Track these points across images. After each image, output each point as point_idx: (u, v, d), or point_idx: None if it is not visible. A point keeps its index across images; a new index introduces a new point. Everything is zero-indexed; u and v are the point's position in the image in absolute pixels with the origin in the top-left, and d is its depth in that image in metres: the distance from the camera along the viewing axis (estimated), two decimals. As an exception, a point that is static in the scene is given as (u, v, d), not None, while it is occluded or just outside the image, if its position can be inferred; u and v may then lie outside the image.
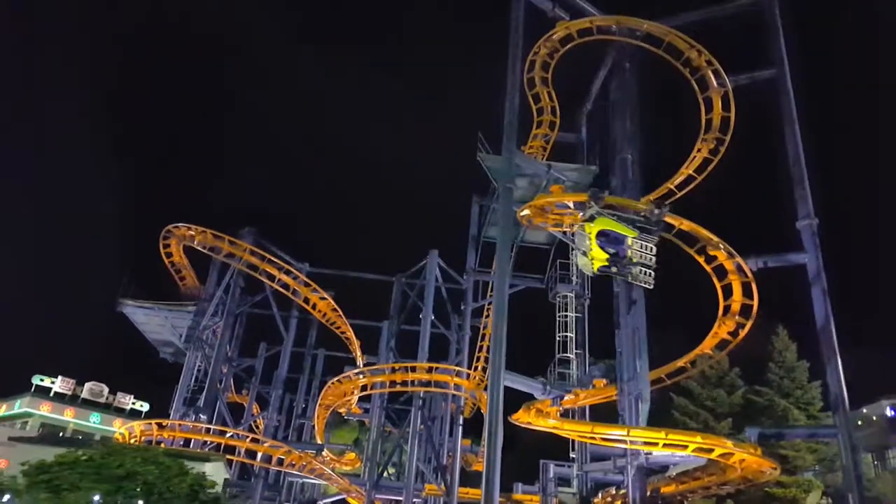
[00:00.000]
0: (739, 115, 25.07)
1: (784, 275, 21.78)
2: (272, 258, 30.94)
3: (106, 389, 63.51)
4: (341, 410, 41.63)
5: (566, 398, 26.12)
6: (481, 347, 37.12)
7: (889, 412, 44.94)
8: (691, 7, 26.32)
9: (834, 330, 19.91)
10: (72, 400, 60.22)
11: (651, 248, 17.10)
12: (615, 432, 18.04)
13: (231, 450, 28.28)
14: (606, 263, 16.88)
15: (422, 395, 29.26)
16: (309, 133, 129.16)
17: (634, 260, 16.85)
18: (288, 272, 31.33)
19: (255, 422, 39.75)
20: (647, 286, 17.46)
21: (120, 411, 62.68)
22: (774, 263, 21.16)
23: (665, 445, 17.69)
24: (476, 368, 37.44)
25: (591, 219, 17.24)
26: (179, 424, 27.14)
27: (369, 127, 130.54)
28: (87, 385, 61.81)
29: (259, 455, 27.76)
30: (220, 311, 31.96)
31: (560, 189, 23.63)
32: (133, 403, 64.17)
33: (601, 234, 16.99)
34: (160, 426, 27.41)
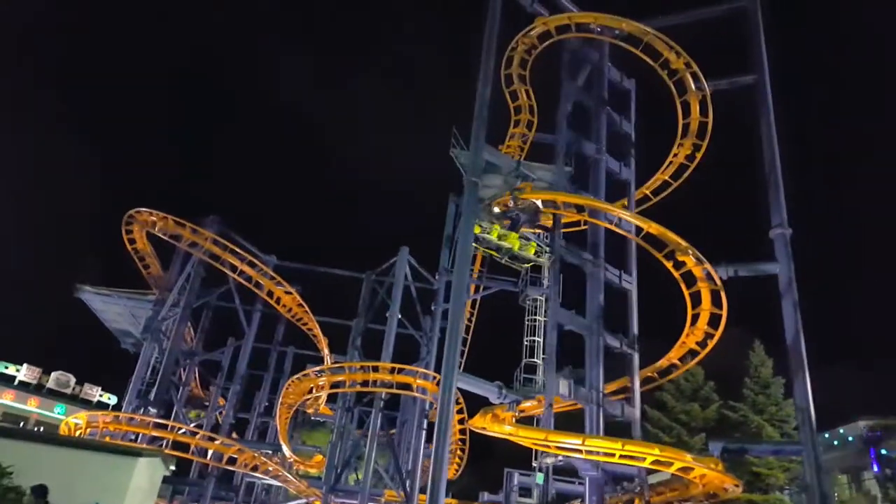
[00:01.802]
0: (718, 120, 24.51)
1: (763, 286, 21.19)
2: (235, 248, 29.86)
3: (73, 380, 61.93)
4: (309, 410, 40.58)
5: (529, 404, 25.38)
6: (453, 350, 36.25)
7: (865, 433, 44.41)
8: (675, 11, 25.79)
9: (803, 344, 19.25)
10: (37, 389, 58.74)
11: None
12: (570, 441, 17.21)
13: (184, 447, 27.17)
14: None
15: (383, 396, 28.27)
16: (285, 127, 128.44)
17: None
18: (252, 264, 30.27)
19: (218, 419, 38.58)
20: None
21: (86, 403, 61.10)
22: (745, 273, 20.53)
23: (622, 457, 16.93)
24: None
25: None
26: (128, 418, 26.01)
27: (349, 122, 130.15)
28: (54, 375, 60.31)
29: (210, 453, 26.66)
30: (181, 302, 30.82)
31: (529, 187, 22.92)
32: (100, 395, 62.75)
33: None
34: (112, 419, 26.36)
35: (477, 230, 25.22)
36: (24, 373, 57.99)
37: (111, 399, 62.89)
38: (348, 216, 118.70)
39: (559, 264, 21.18)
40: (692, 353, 23.07)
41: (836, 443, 45.11)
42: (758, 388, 37.27)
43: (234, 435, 38.83)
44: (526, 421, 25.32)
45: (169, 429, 26.66)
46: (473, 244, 25.57)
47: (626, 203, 23.69)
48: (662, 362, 23.64)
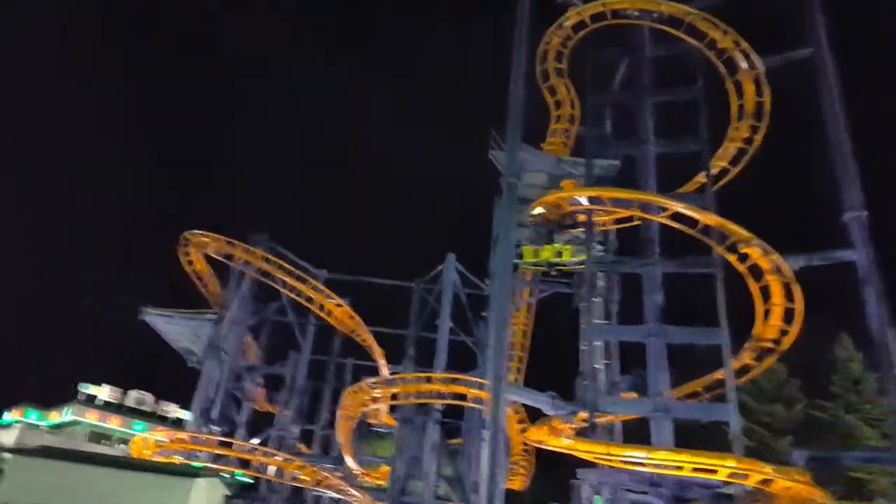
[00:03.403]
0: (776, 99, 22.70)
1: (847, 272, 19.34)
2: (284, 264, 30.24)
3: (150, 398, 64.72)
4: (371, 421, 40.54)
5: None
6: (511, 357, 35.34)
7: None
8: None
9: (891, 336, 17.35)
10: (117, 408, 61.59)
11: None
12: (634, 454, 16.05)
13: (247, 464, 27.59)
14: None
15: (438, 407, 27.73)
16: (329, 139, 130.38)
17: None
18: (302, 279, 30.55)
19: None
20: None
21: (163, 420, 63.66)
22: (819, 262, 18.78)
23: (694, 470, 15.65)
24: (508, 379, 35.69)
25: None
26: (191, 436, 26.57)
27: (389, 131, 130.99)
28: (132, 393, 63.17)
29: (271, 469, 26.87)
30: (237, 320, 31.41)
31: (572, 184, 21.88)
32: (177, 412, 65.15)
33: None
34: (177, 438, 26.99)
35: (528, 256, 24.86)
36: (105, 393, 61.12)
37: (187, 415, 65.30)
38: (397, 225, 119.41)
39: (593, 276, 20.12)
40: (766, 352, 21.32)
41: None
42: (848, 384, 34.38)
43: (302, 448, 39.34)
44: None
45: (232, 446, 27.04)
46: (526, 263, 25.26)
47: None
48: (734, 363, 21.96)
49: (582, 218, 21.58)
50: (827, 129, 20.41)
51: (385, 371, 35.97)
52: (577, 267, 24.13)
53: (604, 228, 24.86)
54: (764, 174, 27.04)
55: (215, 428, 28.06)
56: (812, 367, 35.78)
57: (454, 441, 36.32)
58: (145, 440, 26.64)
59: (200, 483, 15.24)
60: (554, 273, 26.68)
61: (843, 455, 21.82)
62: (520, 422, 29.92)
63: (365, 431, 42.22)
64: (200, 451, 25.99)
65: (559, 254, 24.68)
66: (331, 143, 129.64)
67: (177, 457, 24.98)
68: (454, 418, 33.86)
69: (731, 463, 15.32)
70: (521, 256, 24.65)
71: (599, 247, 24.18)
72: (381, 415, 38.75)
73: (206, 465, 24.77)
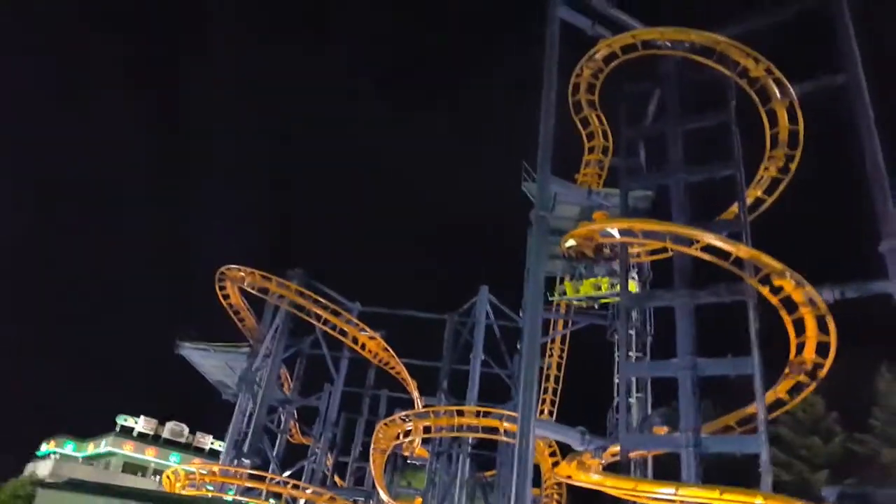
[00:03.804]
0: (809, 127, 22.49)
1: (888, 303, 18.90)
2: (318, 298, 30.76)
3: (186, 429, 65.58)
4: (405, 453, 40.44)
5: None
6: (545, 389, 35.10)
7: None
8: (746, 16, 24.21)
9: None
10: (154, 440, 62.53)
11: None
12: (662, 490, 15.78)
13: (278, 496, 27.75)
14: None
15: (470, 441, 27.59)
16: (366, 173, 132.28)
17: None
18: (335, 312, 31.00)
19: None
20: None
21: (200, 451, 64.40)
22: (854, 293, 18.38)
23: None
24: (541, 412, 35.38)
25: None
26: (222, 469, 26.90)
27: (426, 161, 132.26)
28: (168, 425, 64.15)
29: (301, 502, 26.98)
30: (271, 353, 31.94)
31: (603, 216, 21.89)
32: (212, 444, 65.81)
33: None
34: (208, 471, 27.33)
35: (570, 292, 25.20)
36: (141, 424, 62.17)
37: (222, 446, 65.86)
38: (432, 257, 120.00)
39: (626, 313, 20.02)
40: (801, 386, 20.81)
41: None
42: (888, 417, 33.26)
43: (337, 480, 39.36)
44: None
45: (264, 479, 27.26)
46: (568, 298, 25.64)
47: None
48: (768, 396, 21.45)
49: (617, 250, 21.59)
50: (863, 156, 20.15)
51: (419, 403, 36.03)
52: (613, 299, 24.33)
53: (638, 260, 24.78)
54: (800, 203, 26.68)
55: (246, 461, 28.33)
56: (852, 400, 34.71)
57: (489, 473, 35.99)
58: (177, 472, 27.04)
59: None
60: (591, 306, 26.81)
61: (875, 492, 20.98)
62: (552, 454, 29.57)
63: (400, 464, 42.16)
64: (231, 483, 26.25)
65: (598, 287, 25.06)
66: (369, 175, 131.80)
67: (207, 489, 25.31)
68: (489, 450, 33.64)
69: (759, 500, 14.95)
70: (563, 293, 26.18)
71: (637, 279, 24.22)
72: (416, 447, 38.68)
73: (236, 498, 25.04)
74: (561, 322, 32.21)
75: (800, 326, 18.62)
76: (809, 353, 18.98)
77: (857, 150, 20.39)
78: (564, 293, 26.55)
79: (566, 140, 28.77)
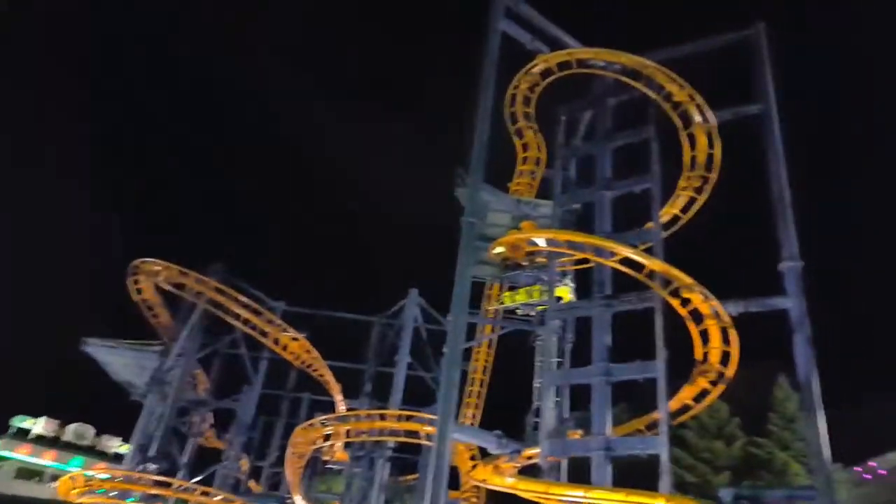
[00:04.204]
0: (728, 151, 23.87)
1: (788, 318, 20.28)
2: (238, 296, 29.70)
3: (92, 432, 61.74)
4: (325, 458, 39.76)
5: (538, 451, 24.43)
6: (470, 393, 35.45)
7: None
8: (679, 43, 25.48)
9: (817, 383, 18.31)
10: (52, 443, 58.51)
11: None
12: (572, 493, 16.32)
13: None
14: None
15: (390, 444, 27.48)
16: (293, 168, 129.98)
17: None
18: (256, 311, 30.05)
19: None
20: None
21: (104, 455, 60.73)
22: (756, 308, 19.60)
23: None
24: (466, 416, 35.67)
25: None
26: (123, 475, 25.50)
27: (359, 162, 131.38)
28: (72, 427, 60.19)
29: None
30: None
31: (531, 226, 22.49)
32: (119, 447, 62.23)
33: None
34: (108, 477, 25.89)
35: (507, 300, 26.05)
36: (41, 426, 57.95)
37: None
38: (362, 259, 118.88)
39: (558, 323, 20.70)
40: (705, 393, 22.02)
41: (869, 476, 42.91)
42: (783, 423, 35.86)
43: (252, 485, 38.11)
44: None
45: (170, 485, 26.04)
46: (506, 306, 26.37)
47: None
48: (673, 403, 22.55)
49: (545, 260, 22.26)
50: (770, 182, 21.57)
51: (342, 407, 35.51)
52: (544, 307, 25.23)
53: (563, 269, 25.50)
54: (713, 223, 28.20)
55: (152, 465, 26.94)
56: (753, 407, 37.15)
57: (412, 477, 35.87)
58: (74, 478, 25.27)
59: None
60: (527, 313, 27.55)
61: (766, 493, 22.50)
62: (472, 458, 29.87)
63: (320, 468, 41.41)
64: (134, 490, 24.91)
65: (531, 295, 25.92)
66: (296, 172, 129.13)
67: (104, 496, 23.81)
68: (413, 454, 33.55)
69: (661, 501, 15.70)
70: (502, 301, 27.37)
71: (572, 285, 24.97)
72: (337, 451, 38.11)
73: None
74: (489, 327, 32.71)
75: (706, 337, 19.71)
76: (714, 363, 20.09)
77: (766, 176, 21.85)
78: (503, 302, 27.38)
79: (505, 149, 29.43)
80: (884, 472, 41.68)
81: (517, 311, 27.59)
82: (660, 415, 16.69)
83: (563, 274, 25.56)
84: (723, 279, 20.58)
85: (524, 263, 25.40)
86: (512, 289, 27.48)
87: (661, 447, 16.26)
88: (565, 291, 25.40)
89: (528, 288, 26.90)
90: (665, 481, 15.77)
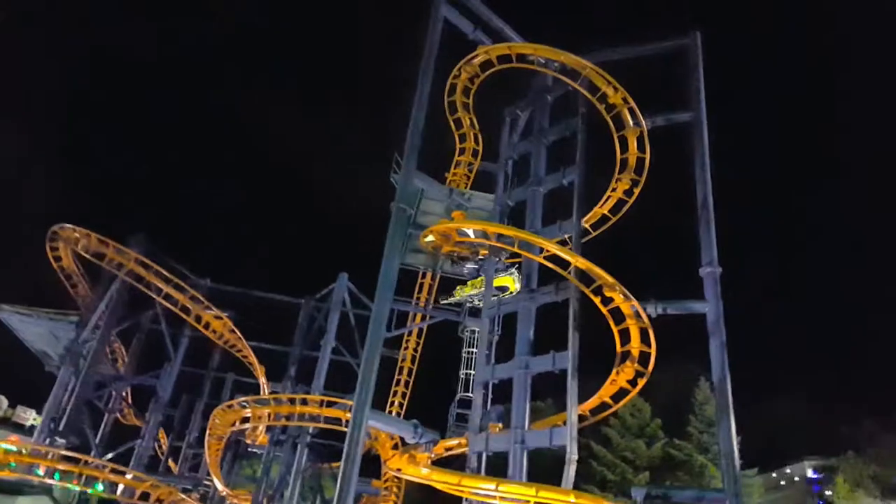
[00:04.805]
0: (659, 156, 24.28)
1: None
2: (160, 270, 28.57)
3: (5, 402, 58.79)
4: (247, 440, 38.94)
5: (458, 441, 24.51)
6: (398, 381, 35.28)
7: (810, 474, 44.14)
8: (619, 46, 25.72)
9: (729, 387, 18.79)
10: (-39, 413, 55.53)
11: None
12: (484, 486, 16.32)
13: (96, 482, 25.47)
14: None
15: (310, 430, 27.06)
16: (226, 145, 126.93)
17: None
18: (179, 287, 28.95)
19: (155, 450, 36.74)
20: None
21: (19, 427, 57.93)
22: (675, 311, 19.98)
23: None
24: (392, 403, 35.50)
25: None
26: (32, 449, 24.33)
27: (296, 146, 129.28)
28: (-18, 397, 57.26)
29: (121, 488, 25.04)
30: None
31: (462, 216, 22.37)
32: (35, 420, 59.51)
33: None
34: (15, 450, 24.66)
35: (458, 293, 28.10)
36: (-53, 395, 54.94)
37: (46, 423, 59.77)
38: (296, 242, 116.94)
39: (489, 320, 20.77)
40: (624, 392, 22.45)
41: (782, 482, 44.91)
42: (702, 426, 36.96)
43: (171, 465, 37.01)
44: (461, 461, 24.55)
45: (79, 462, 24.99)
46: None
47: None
48: (594, 401, 22.95)
49: (484, 252, 22.30)
50: (695, 188, 22.05)
51: (265, 389, 34.77)
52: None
53: (511, 261, 25.57)
54: (641, 224, 28.78)
55: (61, 440, 25.80)
56: (675, 408, 38.19)
57: (336, 464, 35.49)
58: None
59: (23, 502, 13.81)
60: (473, 304, 27.71)
61: (675, 493, 23.14)
62: (394, 447, 29.75)
63: (242, 451, 40.56)
64: (41, 464, 23.79)
65: (475, 287, 26.35)
66: (231, 146, 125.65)
67: (8, 470, 22.65)
68: (339, 440, 33.12)
69: (571, 498, 15.84)
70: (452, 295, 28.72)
71: (518, 275, 25.00)
72: (259, 434, 37.37)
73: (44, 480, 22.70)
74: (419, 316, 32.57)
75: (626, 336, 20.03)
76: (632, 362, 20.46)
77: (692, 181, 22.33)
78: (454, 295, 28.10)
79: (446, 140, 29.23)
80: (798, 477, 43.82)
81: (469, 302, 27.83)
82: (568, 407, 16.79)
83: (510, 266, 25.73)
84: (649, 281, 20.97)
85: (468, 255, 25.36)
86: (464, 283, 27.93)
87: (566, 439, 16.37)
88: (510, 280, 25.54)
89: (473, 281, 27.13)
90: (569, 473, 15.90)
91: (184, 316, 30.08)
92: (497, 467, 22.30)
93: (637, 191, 24.48)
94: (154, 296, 28.97)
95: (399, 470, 19.32)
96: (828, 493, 40.39)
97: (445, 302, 29.66)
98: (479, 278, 26.68)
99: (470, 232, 21.39)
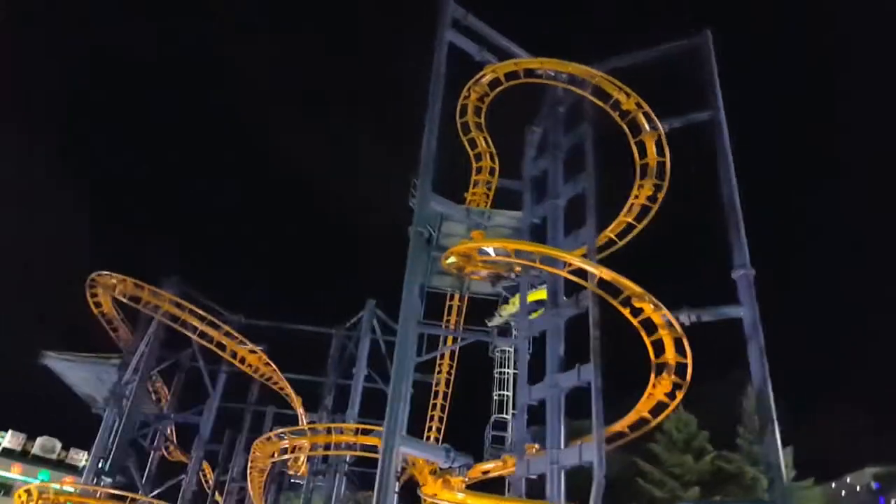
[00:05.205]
0: (678, 159, 23.77)
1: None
2: (194, 309, 29.27)
3: (59, 445, 60.76)
4: (290, 472, 39.15)
5: (495, 465, 24.05)
6: (434, 406, 35.03)
7: (873, 485, 41.71)
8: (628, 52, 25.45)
9: (771, 393, 17.98)
10: (21, 456, 57.50)
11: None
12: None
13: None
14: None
15: (347, 459, 27.01)
16: (257, 180, 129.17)
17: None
18: (214, 324, 29.59)
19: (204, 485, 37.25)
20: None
21: (73, 469, 59.64)
22: (709, 318, 19.31)
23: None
24: (430, 429, 35.22)
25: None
26: (80, 489, 24.97)
27: (319, 174, 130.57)
28: (39, 440, 59.19)
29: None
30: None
31: (481, 235, 22.18)
32: (86, 460, 61.15)
33: None
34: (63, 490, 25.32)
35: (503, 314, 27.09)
36: (7, 439, 57.01)
37: (98, 464, 61.33)
38: (324, 270, 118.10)
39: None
40: (663, 406, 21.70)
41: (843, 493, 42.73)
42: (752, 436, 35.44)
43: (218, 499, 37.41)
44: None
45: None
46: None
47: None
48: (631, 416, 22.24)
49: (517, 270, 22.14)
50: (721, 189, 21.48)
51: (303, 420, 34.96)
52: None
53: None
54: (668, 231, 28.14)
55: (107, 479, 26.42)
56: (722, 419, 36.83)
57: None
58: (29, 491, 24.92)
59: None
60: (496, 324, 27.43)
61: (726, 506, 22.22)
62: (432, 472, 29.44)
63: (286, 483, 40.76)
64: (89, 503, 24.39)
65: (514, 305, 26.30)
66: (260, 182, 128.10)
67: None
68: (375, 468, 32.97)
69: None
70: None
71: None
72: (301, 465, 37.52)
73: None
74: (450, 339, 32.39)
75: (660, 347, 19.42)
76: (668, 374, 19.80)
77: (717, 183, 21.76)
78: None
79: (462, 158, 29.26)
80: (860, 487, 41.63)
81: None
82: (594, 419, 16.33)
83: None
84: (681, 288, 20.38)
85: (502, 274, 25.17)
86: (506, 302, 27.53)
87: (593, 454, 15.91)
88: (545, 294, 25.15)
89: (513, 299, 26.82)
90: (596, 497, 15.35)
91: (219, 352, 30.64)
92: (537, 487, 21.91)
93: (661, 196, 23.97)
94: (190, 334, 29.64)
95: (434, 495, 19.06)
96: (893, 501, 38.23)
97: (492, 324, 29.22)
98: (516, 297, 26.31)
99: (490, 250, 21.19)
